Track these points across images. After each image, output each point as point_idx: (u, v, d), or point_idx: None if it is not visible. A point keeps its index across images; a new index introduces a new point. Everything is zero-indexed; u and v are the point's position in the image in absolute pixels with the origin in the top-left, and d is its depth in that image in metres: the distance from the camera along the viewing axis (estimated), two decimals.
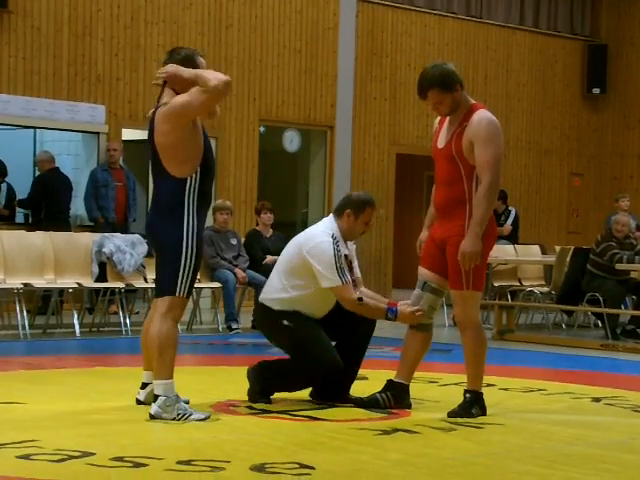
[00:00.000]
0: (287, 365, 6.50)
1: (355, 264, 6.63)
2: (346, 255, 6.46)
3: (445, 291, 6.34)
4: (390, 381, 6.42)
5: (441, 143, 6.18)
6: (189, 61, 6.11)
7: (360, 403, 6.40)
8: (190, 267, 5.84)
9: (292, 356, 6.46)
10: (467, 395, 6.21)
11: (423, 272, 6.33)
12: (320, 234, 6.42)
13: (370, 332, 6.65)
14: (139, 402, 6.15)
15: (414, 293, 6.36)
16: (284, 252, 6.60)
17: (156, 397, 5.83)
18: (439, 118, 6.31)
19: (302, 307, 6.41)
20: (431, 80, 6.15)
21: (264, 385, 6.48)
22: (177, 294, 5.83)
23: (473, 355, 6.22)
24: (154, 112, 5.97)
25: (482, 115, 6.09)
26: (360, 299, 6.38)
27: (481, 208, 6.02)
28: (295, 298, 6.40)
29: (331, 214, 6.58)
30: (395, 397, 6.37)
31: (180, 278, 5.81)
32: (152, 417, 5.77)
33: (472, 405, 6.16)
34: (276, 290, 6.49)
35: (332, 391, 6.54)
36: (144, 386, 6.16)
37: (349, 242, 6.59)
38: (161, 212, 5.87)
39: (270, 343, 6.72)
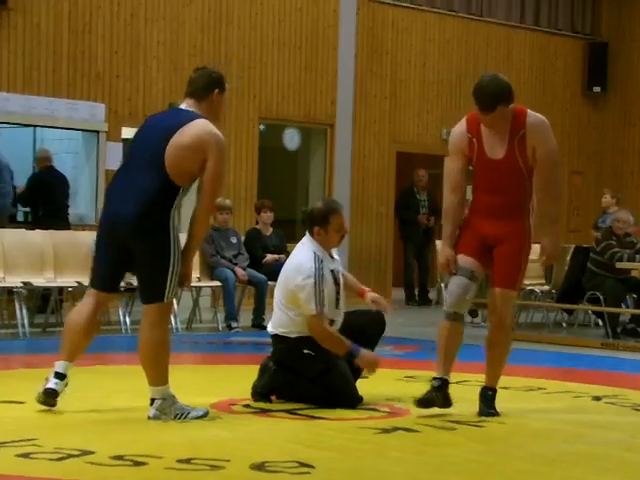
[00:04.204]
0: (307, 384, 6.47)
1: (340, 269, 6.62)
2: (332, 270, 6.45)
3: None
4: (442, 379, 6.18)
5: (496, 153, 6.04)
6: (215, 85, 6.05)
7: (419, 404, 6.15)
8: (177, 271, 5.78)
9: (314, 385, 6.40)
10: (490, 392, 6.21)
11: (469, 260, 6.15)
12: (304, 262, 6.38)
13: (378, 337, 6.70)
14: (54, 392, 5.81)
15: (459, 282, 6.16)
16: (279, 283, 6.57)
17: (152, 400, 5.80)
18: (464, 127, 6.14)
19: (303, 328, 6.41)
20: (500, 95, 6.04)
21: (274, 388, 6.47)
22: (166, 299, 5.79)
23: (505, 354, 6.33)
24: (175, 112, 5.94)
25: (535, 116, 6.10)
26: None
27: (558, 205, 6.16)
28: (301, 322, 6.39)
29: (307, 234, 6.55)
30: (445, 394, 6.21)
31: (169, 283, 5.73)
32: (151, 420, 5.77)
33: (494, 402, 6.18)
34: (285, 320, 6.47)
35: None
36: (61, 376, 5.87)
37: (334, 253, 6.58)
38: (147, 211, 5.67)
39: (295, 373, 6.53)
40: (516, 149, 6.03)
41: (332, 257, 6.56)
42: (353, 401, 6.38)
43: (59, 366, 5.89)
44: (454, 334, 6.21)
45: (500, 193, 6.09)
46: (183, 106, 5.96)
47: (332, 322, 6.49)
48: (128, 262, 5.84)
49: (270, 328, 6.59)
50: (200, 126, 5.77)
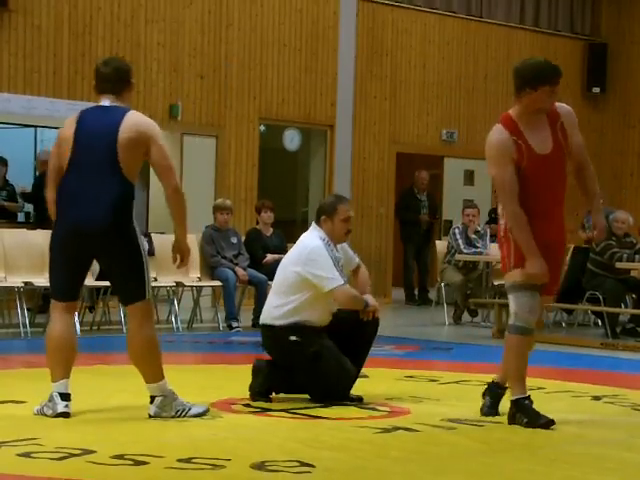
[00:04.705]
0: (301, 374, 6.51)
1: (350, 253, 6.73)
2: (335, 257, 6.49)
3: None
4: (528, 397, 5.94)
5: (544, 148, 5.90)
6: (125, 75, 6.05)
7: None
8: (148, 267, 5.88)
9: (307, 371, 6.44)
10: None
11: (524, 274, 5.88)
12: (310, 242, 6.49)
13: (373, 337, 6.72)
14: (67, 414, 5.76)
15: (537, 299, 5.88)
16: (277, 276, 6.62)
17: (153, 398, 5.83)
18: (504, 132, 5.92)
19: (303, 316, 6.44)
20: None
21: (271, 385, 6.48)
22: (147, 296, 5.83)
23: None
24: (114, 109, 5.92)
25: (563, 105, 6.04)
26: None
27: (599, 193, 6.14)
28: (296, 307, 6.43)
29: (313, 223, 6.64)
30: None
31: (146, 280, 5.82)
32: (152, 417, 5.78)
33: None
34: (275, 308, 6.52)
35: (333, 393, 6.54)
36: (68, 397, 5.83)
37: (340, 250, 6.63)
38: (117, 213, 5.75)
39: (288, 367, 6.55)
40: (560, 139, 5.93)
41: (337, 250, 6.59)
42: (350, 378, 6.42)
43: (61, 387, 5.80)
44: (529, 349, 5.99)
45: (554, 189, 5.95)
46: (106, 103, 5.96)
47: (330, 314, 6.56)
48: (87, 269, 5.93)
49: (260, 320, 6.63)
50: (135, 119, 5.85)
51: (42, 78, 13.24)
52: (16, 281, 10.33)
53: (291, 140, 15.79)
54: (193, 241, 11.82)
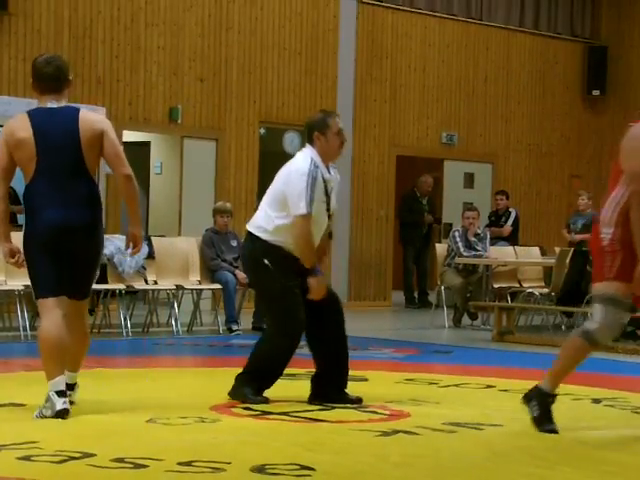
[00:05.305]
0: (259, 355, 6.52)
1: (334, 196, 6.58)
2: (326, 180, 6.45)
3: None
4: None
5: None
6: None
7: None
8: None
9: (263, 301, 6.65)
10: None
11: (622, 289, 5.53)
12: (298, 163, 6.43)
13: (341, 322, 6.56)
14: (66, 411, 5.78)
15: (621, 318, 5.59)
16: (270, 187, 6.57)
17: (73, 386, 6.11)
18: None
19: (286, 238, 6.37)
20: None
21: (256, 385, 6.47)
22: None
23: None
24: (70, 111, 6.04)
25: None
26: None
27: None
28: (280, 227, 6.37)
29: (306, 144, 6.57)
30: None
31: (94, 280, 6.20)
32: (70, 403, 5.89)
33: None
34: (261, 219, 6.49)
35: (328, 391, 6.54)
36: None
37: (333, 170, 6.58)
38: (95, 213, 6.02)
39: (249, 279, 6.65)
40: None
41: (329, 172, 6.54)
42: (298, 328, 6.38)
43: (57, 385, 5.77)
44: (585, 358, 5.74)
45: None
46: (54, 104, 6.01)
47: (330, 235, 6.61)
48: (69, 266, 5.96)
49: (248, 225, 6.57)
50: (89, 118, 6.03)
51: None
52: (16, 284, 10.32)
53: (291, 143, 15.78)
54: (193, 244, 11.84)
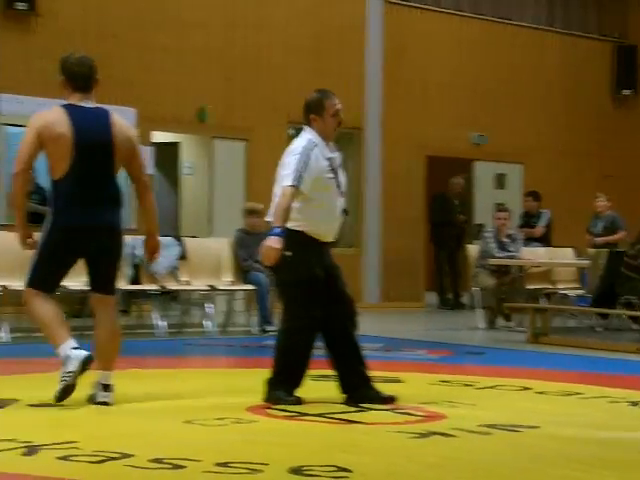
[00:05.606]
0: (280, 355, 6.52)
1: (341, 172, 6.55)
2: (329, 158, 6.44)
3: None
4: None
5: None
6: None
7: None
8: None
9: (279, 291, 6.68)
10: None
11: None
12: (294, 144, 6.46)
13: (353, 315, 6.57)
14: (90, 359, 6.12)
15: None
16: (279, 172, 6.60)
17: (107, 387, 6.16)
18: None
19: (302, 220, 6.34)
20: None
21: (287, 386, 6.47)
22: None
23: None
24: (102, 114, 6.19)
25: None
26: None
27: None
28: (292, 211, 6.32)
29: (304, 126, 6.57)
30: None
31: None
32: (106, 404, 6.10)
33: None
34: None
35: (355, 385, 6.51)
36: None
37: (336, 152, 6.56)
38: (118, 211, 6.20)
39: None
40: None
41: (332, 150, 6.53)
42: (312, 320, 6.36)
43: (73, 342, 6.12)
44: None
45: None
46: (88, 103, 6.17)
47: (345, 212, 6.57)
48: (91, 264, 6.22)
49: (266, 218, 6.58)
50: (121, 123, 6.23)
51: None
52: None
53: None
54: (224, 245, 11.86)
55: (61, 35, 13.30)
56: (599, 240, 13.62)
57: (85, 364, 5.97)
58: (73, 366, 5.96)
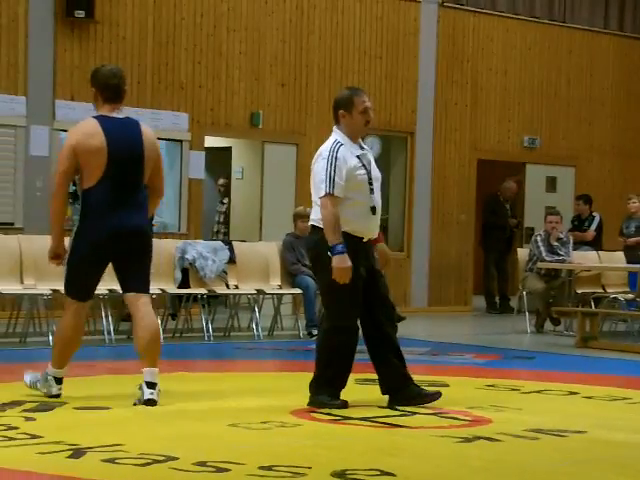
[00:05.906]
0: (321, 357, 6.58)
1: (373, 167, 6.61)
2: (358, 156, 6.47)
3: None
4: None
5: None
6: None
7: None
8: None
9: (321, 291, 6.75)
10: None
11: None
12: (322, 148, 6.53)
13: (393, 319, 6.61)
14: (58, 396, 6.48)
15: None
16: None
17: (153, 385, 6.24)
18: None
19: (343, 218, 6.37)
20: None
21: (331, 389, 6.47)
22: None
23: None
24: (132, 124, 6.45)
25: None
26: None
27: None
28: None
29: (334, 127, 6.63)
30: None
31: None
32: (151, 403, 6.22)
33: None
34: (314, 210, 6.53)
35: (396, 387, 6.51)
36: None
37: (366, 147, 6.62)
38: (146, 215, 6.49)
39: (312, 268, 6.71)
40: None
41: (362, 147, 6.57)
42: (351, 321, 6.41)
43: (60, 373, 6.52)
44: None
45: None
46: (119, 114, 6.43)
47: (373, 209, 6.53)
48: (124, 265, 6.48)
49: (310, 219, 6.61)
50: (150, 135, 6.50)
51: (127, 88, 13.41)
52: (100, 289, 10.45)
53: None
54: (274, 249, 11.90)
55: (118, 42, 13.44)
56: (631, 240, 13.48)
57: (50, 396, 6.44)
58: (43, 390, 6.48)
